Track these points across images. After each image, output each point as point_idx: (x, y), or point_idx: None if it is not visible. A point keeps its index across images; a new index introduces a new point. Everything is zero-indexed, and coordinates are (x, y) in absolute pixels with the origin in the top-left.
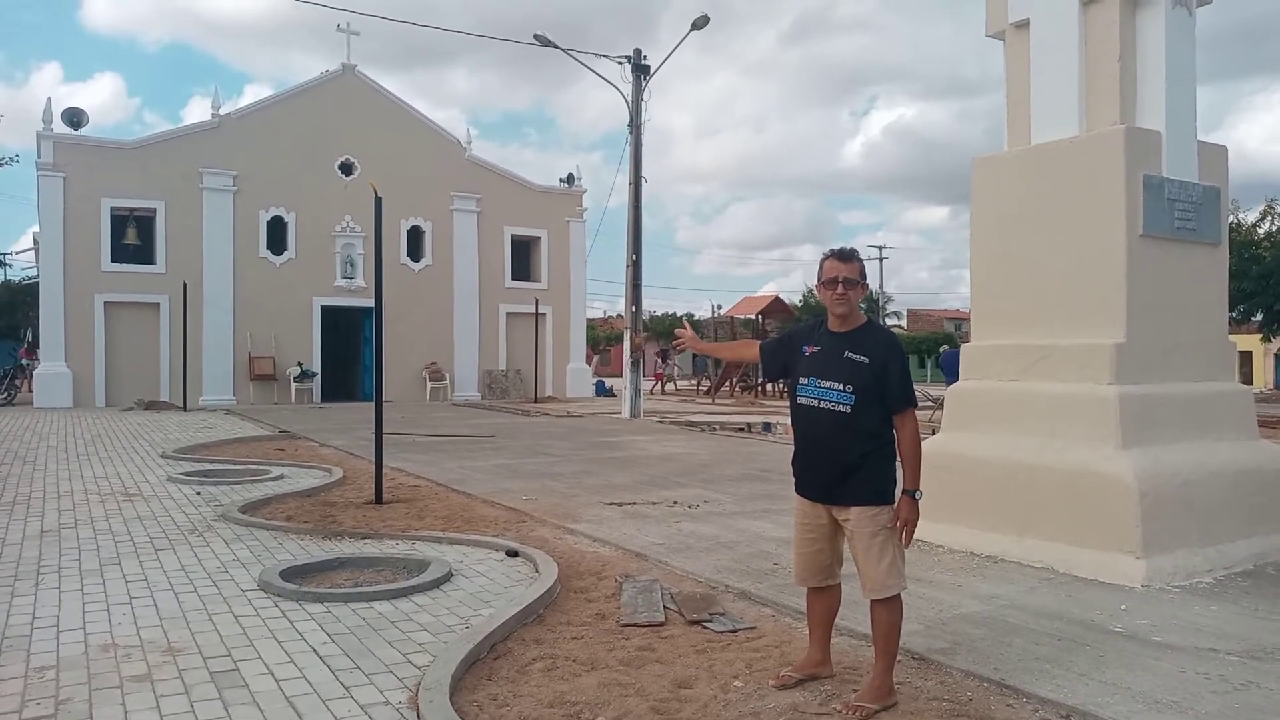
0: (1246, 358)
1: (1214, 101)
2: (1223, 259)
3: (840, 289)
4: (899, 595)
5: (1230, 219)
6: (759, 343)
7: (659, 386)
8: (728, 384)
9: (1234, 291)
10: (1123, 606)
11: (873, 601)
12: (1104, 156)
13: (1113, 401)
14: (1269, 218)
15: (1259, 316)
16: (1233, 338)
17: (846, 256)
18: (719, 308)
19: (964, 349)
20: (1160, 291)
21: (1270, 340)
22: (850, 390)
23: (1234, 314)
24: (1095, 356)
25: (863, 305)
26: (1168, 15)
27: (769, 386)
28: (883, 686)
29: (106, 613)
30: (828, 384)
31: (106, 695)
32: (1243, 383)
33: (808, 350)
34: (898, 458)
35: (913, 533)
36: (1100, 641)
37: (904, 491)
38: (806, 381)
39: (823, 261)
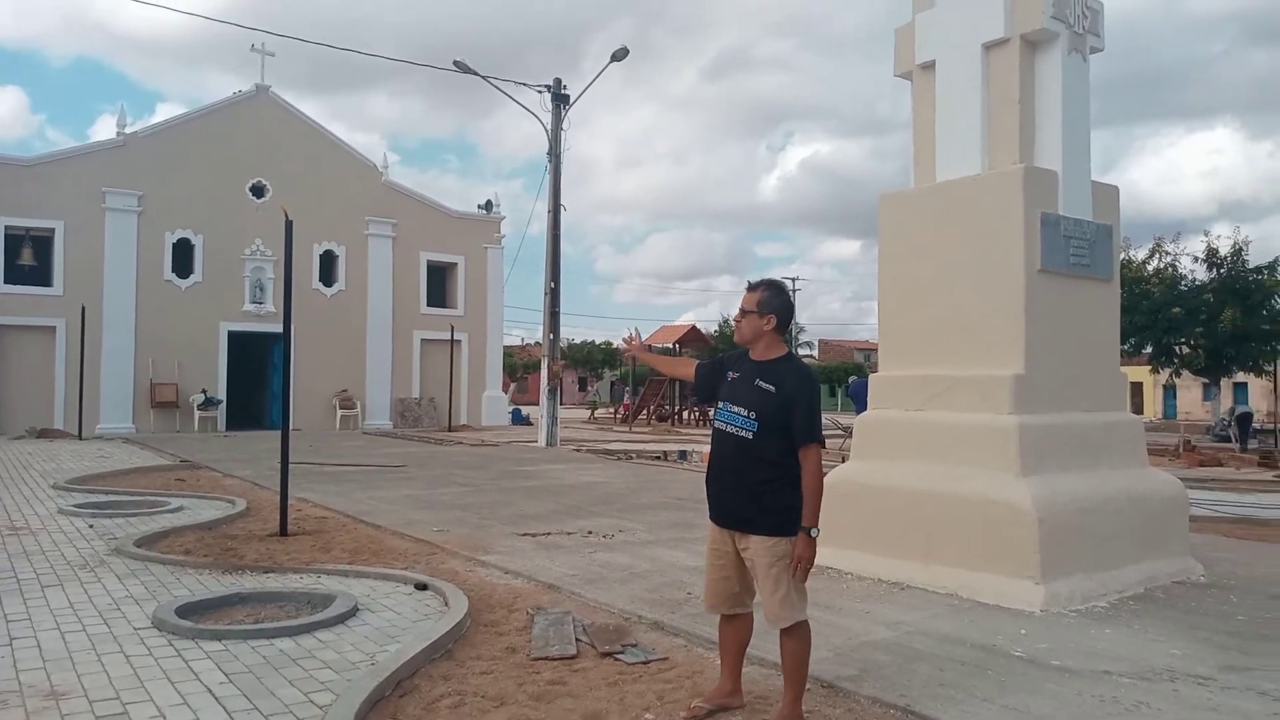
0: (1137, 388)
1: (1108, 144)
2: (1115, 294)
3: (737, 315)
4: (806, 624)
5: (1122, 256)
6: (696, 363)
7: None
8: (644, 412)
9: (1126, 325)
10: (1023, 631)
11: (780, 631)
12: (1004, 194)
13: (1012, 431)
14: (1157, 255)
15: (1149, 349)
16: (1124, 369)
17: (751, 286)
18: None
19: (871, 379)
20: (1057, 325)
21: (1159, 372)
22: (753, 417)
23: (1125, 347)
24: (996, 387)
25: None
26: (1064, 61)
27: (685, 414)
28: (791, 716)
29: None
30: (736, 409)
31: None
32: (1134, 413)
33: (730, 375)
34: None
35: (806, 570)
36: (1002, 666)
37: (800, 528)
38: (721, 405)
39: None
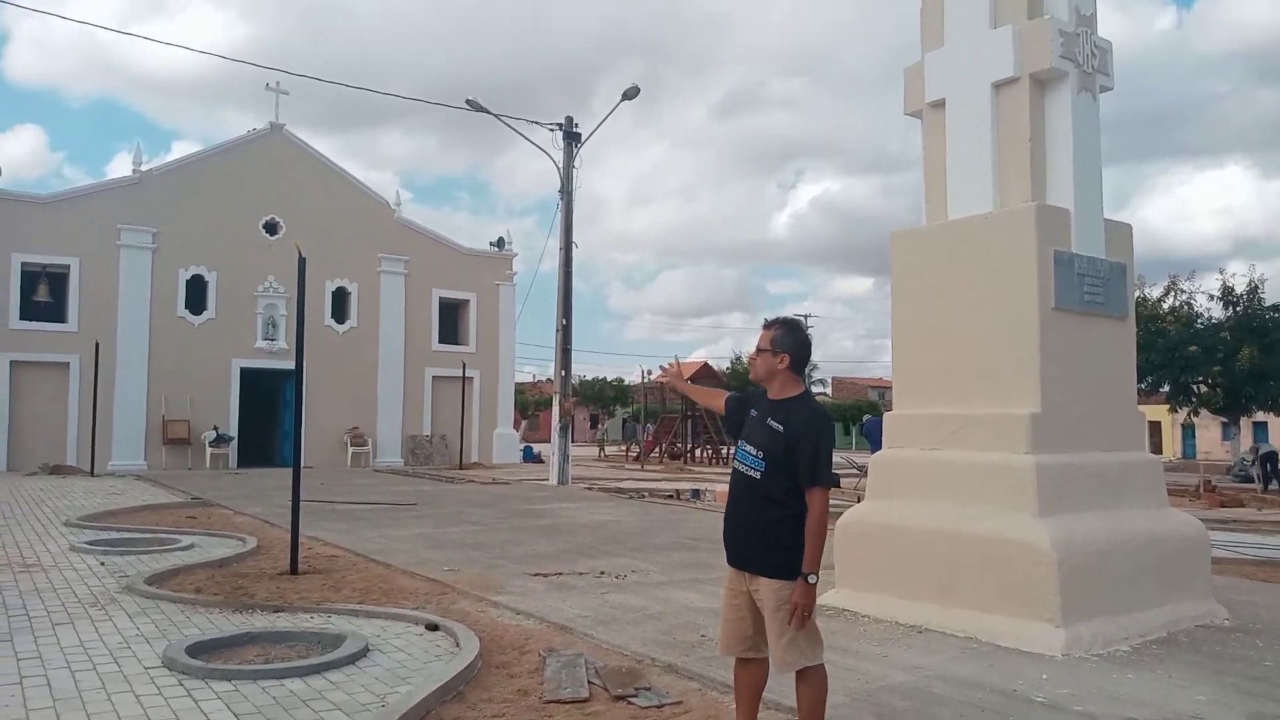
0: (1156, 428)
1: (1121, 182)
2: (1130, 332)
3: (752, 354)
4: (821, 669)
5: (1136, 294)
6: (727, 395)
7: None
8: (657, 450)
9: (1142, 364)
10: (1044, 676)
11: (795, 675)
12: (1017, 232)
13: (1029, 470)
14: (1172, 293)
15: (1166, 388)
16: (1142, 408)
17: (766, 324)
18: (649, 373)
19: (886, 418)
20: (1072, 363)
21: (1177, 411)
22: (761, 457)
23: (1142, 385)
24: (1011, 426)
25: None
26: (1073, 100)
27: (698, 452)
28: None
29: None
30: (749, 448)
31: None
32: (1153, 452)
33: (753, 413)
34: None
35: (803, 617)
36: (1023, 712)
37: (800, 573)
38: (739, 444)
39: None
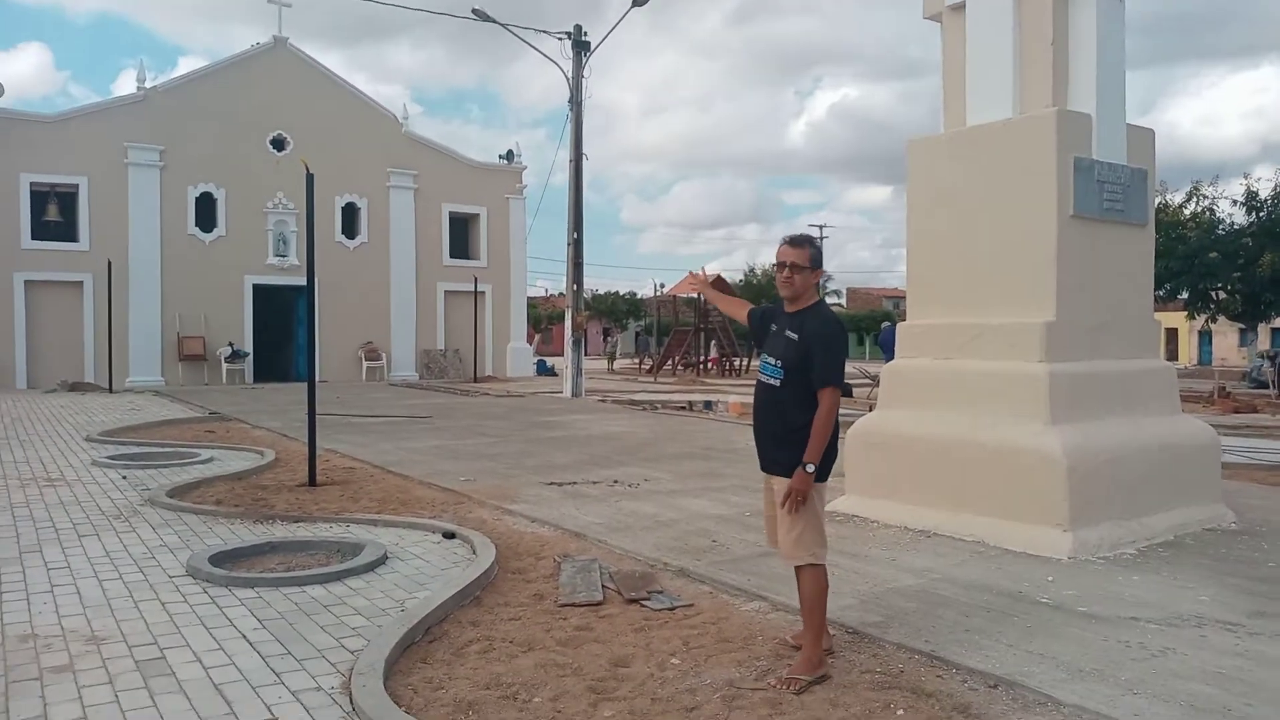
0: (1172, 334)
1: (1148, 85)
2: (1149, 239)
3: (786, 273)
4: (820, 569)
5: (1157, 200)
6: (750, 306)
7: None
8: (670, 362)
9: (1160, 270)
10: (1050, 578)
11: (796, 571)
12: (1036, 139)
13: (1043, 379)
14: (1194, 199)
15: (1184, 295)
16: (1159, 315)
17: (797, 243)
18: (662, 286)
19: (900, 327)
20: (1089, 271)
21: (1195, 318)
22: (779, 365)
23: (1160, 292)
24: (1026, 335)
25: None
26: (1098, 2)
27: (710, 365)
28: (812, 657)
29: (26, 602)
30: (769, 359)
31: (24, 688)
32: (1169, 359)
33: (774, 327)
34: (836, 437)
35: (797, 504)
36: (1028, 612)
37: (801, 464)
38: (761, 357)
39: (780, 246)
